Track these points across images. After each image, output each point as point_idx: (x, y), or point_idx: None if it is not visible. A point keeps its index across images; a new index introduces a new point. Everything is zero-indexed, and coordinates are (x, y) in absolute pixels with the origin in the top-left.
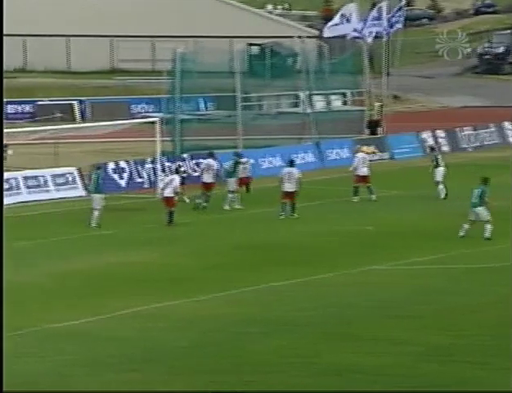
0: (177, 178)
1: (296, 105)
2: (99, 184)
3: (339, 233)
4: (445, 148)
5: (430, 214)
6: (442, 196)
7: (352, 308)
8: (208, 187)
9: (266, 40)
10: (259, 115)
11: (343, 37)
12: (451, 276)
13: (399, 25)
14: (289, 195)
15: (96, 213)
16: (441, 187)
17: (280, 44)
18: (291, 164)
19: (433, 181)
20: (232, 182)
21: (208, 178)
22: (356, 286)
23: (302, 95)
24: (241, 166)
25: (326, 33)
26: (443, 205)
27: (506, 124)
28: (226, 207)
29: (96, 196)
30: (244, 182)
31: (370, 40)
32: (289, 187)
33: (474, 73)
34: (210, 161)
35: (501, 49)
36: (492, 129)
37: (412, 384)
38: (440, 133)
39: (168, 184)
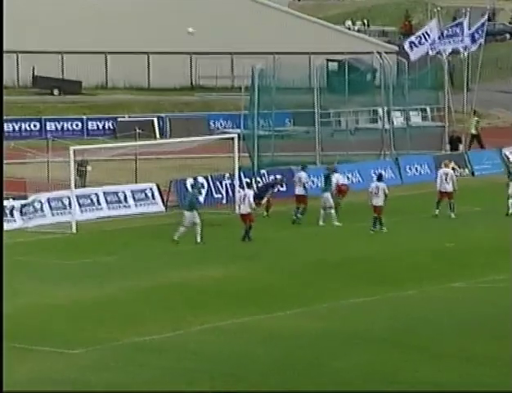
0: (251, 194)
1: (375, 121)
2: (193, 202)
3: (419, 250)
4: None
5: (509, 230)
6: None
7: (433, 324)
8: (300, 199)
9: (345, 56)
10: (337, 131)
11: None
12: None
13: (481, 41)
14: (377, 209)
15: (182, 229)
16: (511, 201)
17: (358, 60)
18: (380, 178)
19: (506, 194)
20: (327, 197)
21: (299, 190)
22: (437, 302)
23: (380, 111)
24: (333, 178)
25: (412, 57)
26: None
27: None
28: (336, 223)
29: (188, 213)
30: (341, 190)
31: (450, 55)
32: (376, 201)
33: None
34: (301, 174)
35: None
36: None
37: None
38: None
39: (243, 200)
